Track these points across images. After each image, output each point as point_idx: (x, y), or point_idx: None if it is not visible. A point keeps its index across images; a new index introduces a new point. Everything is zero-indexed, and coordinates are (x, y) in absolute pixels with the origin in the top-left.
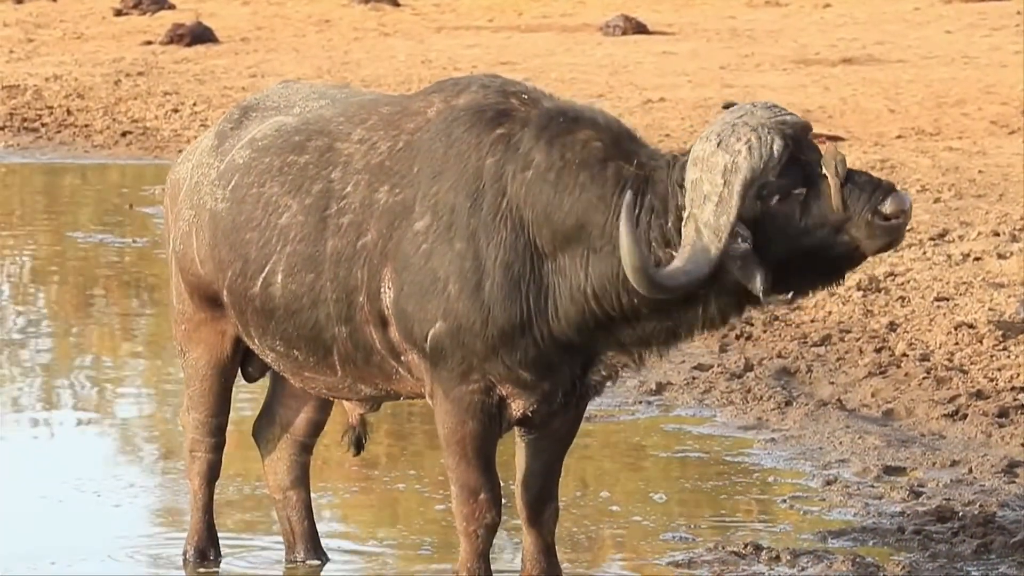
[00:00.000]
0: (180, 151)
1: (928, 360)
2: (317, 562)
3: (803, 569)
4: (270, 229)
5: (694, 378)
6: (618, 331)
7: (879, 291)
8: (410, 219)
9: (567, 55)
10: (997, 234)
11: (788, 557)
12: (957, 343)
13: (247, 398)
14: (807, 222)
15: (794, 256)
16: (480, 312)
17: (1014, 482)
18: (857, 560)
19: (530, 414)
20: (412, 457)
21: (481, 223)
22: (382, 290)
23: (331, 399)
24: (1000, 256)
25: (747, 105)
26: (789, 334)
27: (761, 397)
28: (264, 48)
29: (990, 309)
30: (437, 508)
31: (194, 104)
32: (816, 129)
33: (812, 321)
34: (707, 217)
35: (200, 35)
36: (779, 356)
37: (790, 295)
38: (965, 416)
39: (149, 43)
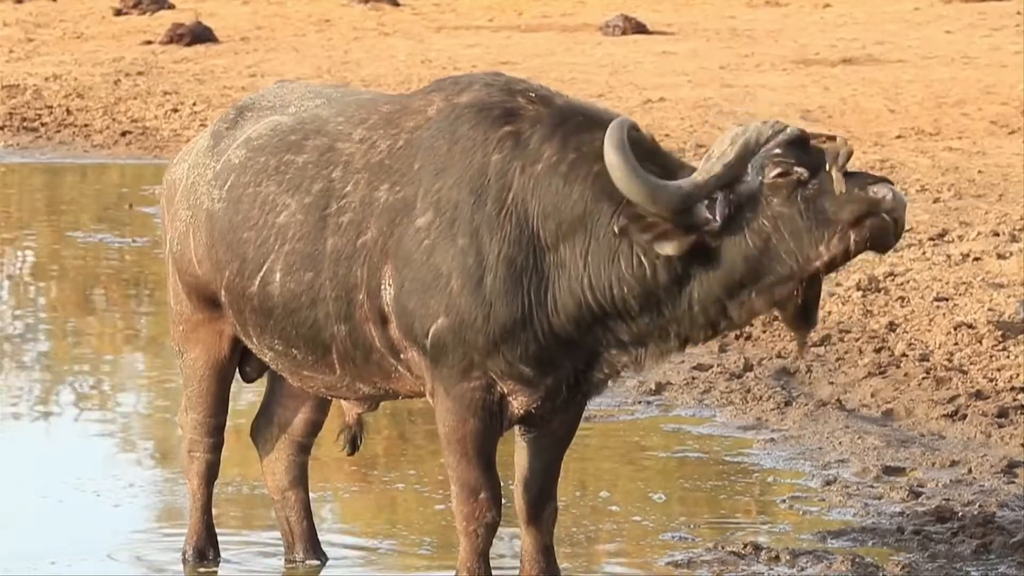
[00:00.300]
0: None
1: (928, 360)
2: (316, 562)
3: (802, 569)
4: (268, 228)
5: (694, 378)
6: (614, 326)
7: (879, 291)
8: (411, 216)
9: (567, 55)
10: (997, 234)
11: (787, 557)
12: (957, 343)
13: (247, 398)
14: (805, 209)
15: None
16: (482, 307)
17: (1013, 482)
18: (856, 560)
19: (531, 411)
20: (411, 457)
21: (484, 219)
22: (382, 287)
23: (329, 398)
24: (1000, 256)
25: None
26: (789, 334)
27: (761, 397)
28: (264, 48)
29: (990, 309)
30: (436, 508)
31: (194, 104)
32: (816, 129)
33: None
34: (707, 165)
35: (200, 35)
36: (779, 356)
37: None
38: (965, 416)
39: (149, 43)
